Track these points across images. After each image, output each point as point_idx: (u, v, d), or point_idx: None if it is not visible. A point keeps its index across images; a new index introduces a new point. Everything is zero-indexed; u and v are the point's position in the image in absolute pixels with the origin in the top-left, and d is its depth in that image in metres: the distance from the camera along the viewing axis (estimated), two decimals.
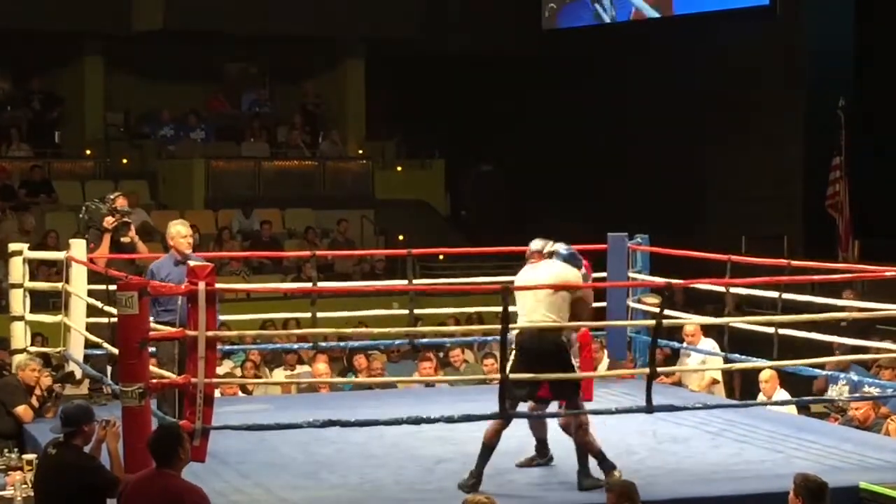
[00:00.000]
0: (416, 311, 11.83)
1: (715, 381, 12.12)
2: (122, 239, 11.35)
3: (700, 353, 12.04)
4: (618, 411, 9.69)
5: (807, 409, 12.19)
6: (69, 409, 7.99)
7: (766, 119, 20.96)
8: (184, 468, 7.15)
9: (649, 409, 9.20)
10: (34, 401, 10.61)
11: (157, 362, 9.31)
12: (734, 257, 11.65)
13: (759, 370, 11.30)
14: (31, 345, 11.72)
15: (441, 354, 14.38)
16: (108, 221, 11.28)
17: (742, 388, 12.25)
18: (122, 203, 11.47)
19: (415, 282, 12.10)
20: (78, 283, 11.02)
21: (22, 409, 10.51)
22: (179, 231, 10.03)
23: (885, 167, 19.22)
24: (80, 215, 11.66)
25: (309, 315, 11.65)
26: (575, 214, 20.60)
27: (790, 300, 10.94)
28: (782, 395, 11.39)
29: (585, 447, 8.75)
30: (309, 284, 13.26)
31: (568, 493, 8.62)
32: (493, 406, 8.85)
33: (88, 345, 10.94)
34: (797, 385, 11.75)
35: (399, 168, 24.93)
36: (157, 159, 23.67)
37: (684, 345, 12.24)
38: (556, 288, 8.73)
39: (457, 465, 9.24)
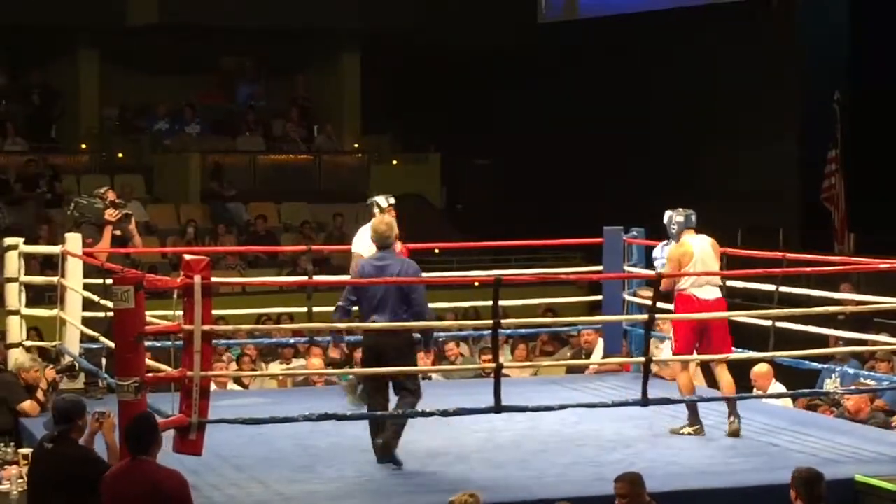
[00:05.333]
0: None
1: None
2: (114, 231, 11.34)
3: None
4: (614, 404, 9.72)
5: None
6: (61, 406, 7.98)
7: (762, 112, 20.95)
8: (157, 454, 7.17)
9: (644, 402, 9.20)
10: (40, 395, 10.58)
11: None
12: (730, 250, 11.61)
13: (752, 363, 11.27)
14: (27, 339, 11.69)
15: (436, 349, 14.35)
16: (111, 214, 11.25)
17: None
18: (112, 196, 11.48)
19: None
20: (73, 277, 11.00)
21: (28, 405, 10.48)
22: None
23: (881, 161, 19.21)
24: (70, 212, 11.62)
25: (305, 309, 11.63)
26: (570, 208, 20.59)
27: (787, 293, 10.93)
28: (778, 388, 11.36)
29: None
30: (305, 278, 13.24)
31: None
32: (488, 400, 8.88)
33: (84, 339, 10.93)
34: (793, 379, 11.72)
35: (395, 162, 24.92)
36: (153, 153, 23.66)
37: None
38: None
39: (451, 458, 9.25)
